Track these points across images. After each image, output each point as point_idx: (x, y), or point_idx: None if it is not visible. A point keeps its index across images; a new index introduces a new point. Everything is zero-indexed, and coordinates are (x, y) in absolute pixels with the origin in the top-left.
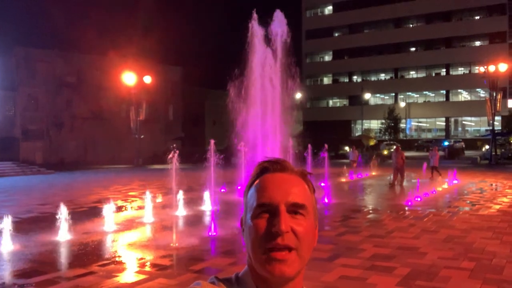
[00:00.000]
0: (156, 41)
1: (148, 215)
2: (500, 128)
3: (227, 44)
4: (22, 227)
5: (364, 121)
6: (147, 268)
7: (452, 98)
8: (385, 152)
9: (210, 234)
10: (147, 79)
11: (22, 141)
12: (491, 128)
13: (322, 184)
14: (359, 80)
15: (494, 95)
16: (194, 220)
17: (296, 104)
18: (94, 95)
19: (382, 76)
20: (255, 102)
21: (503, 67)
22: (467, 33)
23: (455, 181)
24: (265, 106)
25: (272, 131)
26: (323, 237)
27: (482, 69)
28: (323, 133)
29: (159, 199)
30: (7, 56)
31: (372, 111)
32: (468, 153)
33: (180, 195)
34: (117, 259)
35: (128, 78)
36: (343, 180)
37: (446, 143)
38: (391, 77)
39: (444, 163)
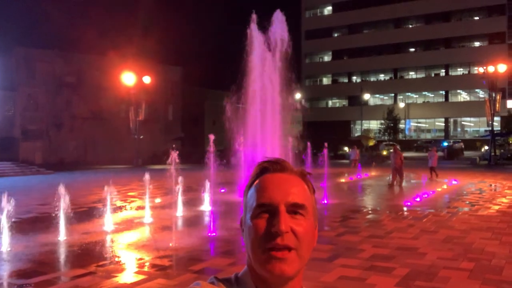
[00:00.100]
0: (156, 41)
1: (147, 215)
2: (499, 128)
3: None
4: (21, 227)
5: (363, 121)
6: (147, 269)
7: (452, 99)
8: (385, 153)
9: (209, 234)
10: (147, 79)
11: (21, 141)
12: (490, 128)
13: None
14: (359, 80)
15: (493, 95)
16: (194, 220)
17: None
18: (94, 95)
19: (382, 77)
20: (255, 102)
21: (502, 67)
22: (466, 33)
23: (454, 182)
24: (265, 107)
25: (272, 131)
26: (323, 237)
27: (481, 69)
28: (323, 133)
29: (159, 200)
30: (7, 56)
31: (372, 112)
32: (467, 153)
33: (180, 195)
34: (116, 259)
35: (128, 78)
36: (343, 180)
37: (445, 144)
38: (391, 78)
39: (444, 163)
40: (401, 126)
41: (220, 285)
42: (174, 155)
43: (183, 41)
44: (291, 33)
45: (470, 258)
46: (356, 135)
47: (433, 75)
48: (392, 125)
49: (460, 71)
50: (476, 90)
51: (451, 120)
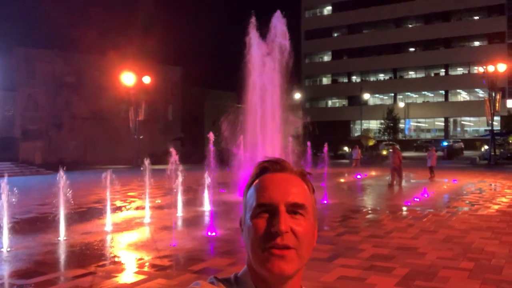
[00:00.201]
0: (155, 41)
1: (147, 216)
2: (499, 128)
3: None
4: (21, 227)
5: (363, 121)
6: (146, 269)
7: (451, 98)
8: (384, 152)
9: (209, 234)
10: (147, 79)
11: (21, 141)
12: (490, 128)
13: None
14: (358, 80)
15: (493, 95)
16: (193, 220)
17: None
18: (94, 95)
19: (381, 76)
20: (254, 102)
21: (502, 67)
22: (466, 33)
23: (454, 181)
24: (264, 107)
25: (271, 131)
26: (322, 237)
27: (481, 69)
28: (322, 133)
29: (158, 200)
30: (7, 56)
31: (371, 112)
32: (467, 153)
33: (179, 195)
34: (116, 259)
35: (128, 78)
36: (342, 180)
37: (445, 143)
38: (390, 78)
39: (443, 163)
40: (401, 126)
41: (219, 285)
42: (174, 155)
43: (183, 41)
44: (291, 33)
45: (470, 257)
46: (356, 135)
47: (432, 74)
48: (391, 125)
49: (460, 70)
50: (476, 89)
51: (451, 119)
